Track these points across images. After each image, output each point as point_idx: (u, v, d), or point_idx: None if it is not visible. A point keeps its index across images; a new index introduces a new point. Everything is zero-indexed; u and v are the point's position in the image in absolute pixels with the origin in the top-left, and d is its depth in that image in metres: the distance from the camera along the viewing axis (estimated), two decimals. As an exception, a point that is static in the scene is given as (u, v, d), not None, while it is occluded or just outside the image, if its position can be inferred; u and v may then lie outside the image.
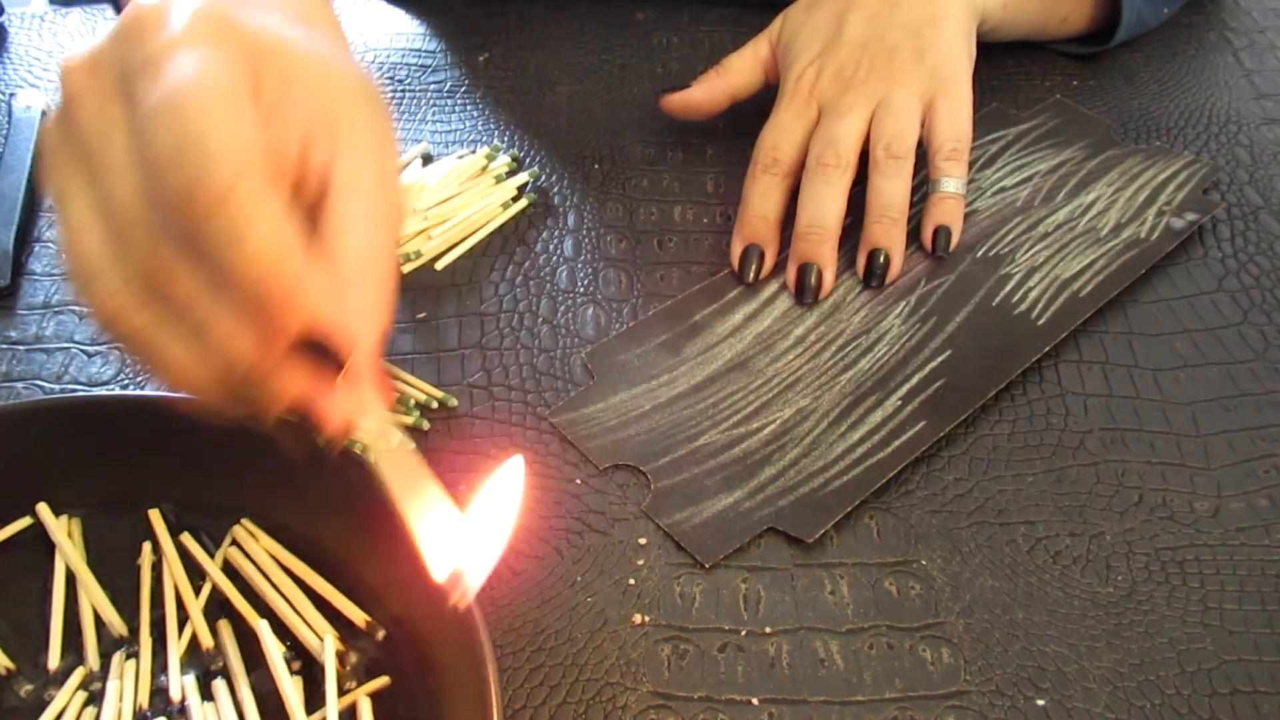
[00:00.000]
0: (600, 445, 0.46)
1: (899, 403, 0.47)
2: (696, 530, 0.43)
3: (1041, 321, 0.50)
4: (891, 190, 0.52)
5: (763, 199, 0.53)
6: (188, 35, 0.28)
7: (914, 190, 0.53)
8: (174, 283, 0.29)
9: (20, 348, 0.50)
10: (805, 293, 0.51)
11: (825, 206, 0.51)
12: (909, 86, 0.53)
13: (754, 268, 0.52)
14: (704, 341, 0.50)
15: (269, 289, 0.28)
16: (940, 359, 0.48)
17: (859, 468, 0.44)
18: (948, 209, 0.53)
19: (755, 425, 0.46)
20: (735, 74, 0.59)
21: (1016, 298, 0.51)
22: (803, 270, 0.51)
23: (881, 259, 0.51)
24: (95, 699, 0.38)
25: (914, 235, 0.54)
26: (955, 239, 0.53)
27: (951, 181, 0.53)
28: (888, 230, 0.52)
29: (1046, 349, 0.49)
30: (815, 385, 0.48)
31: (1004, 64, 0.65)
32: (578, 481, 0.45)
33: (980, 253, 0.53)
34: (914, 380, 0.48)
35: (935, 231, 0.53)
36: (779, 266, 0.53)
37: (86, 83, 0.29)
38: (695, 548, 0.42)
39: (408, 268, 0.53)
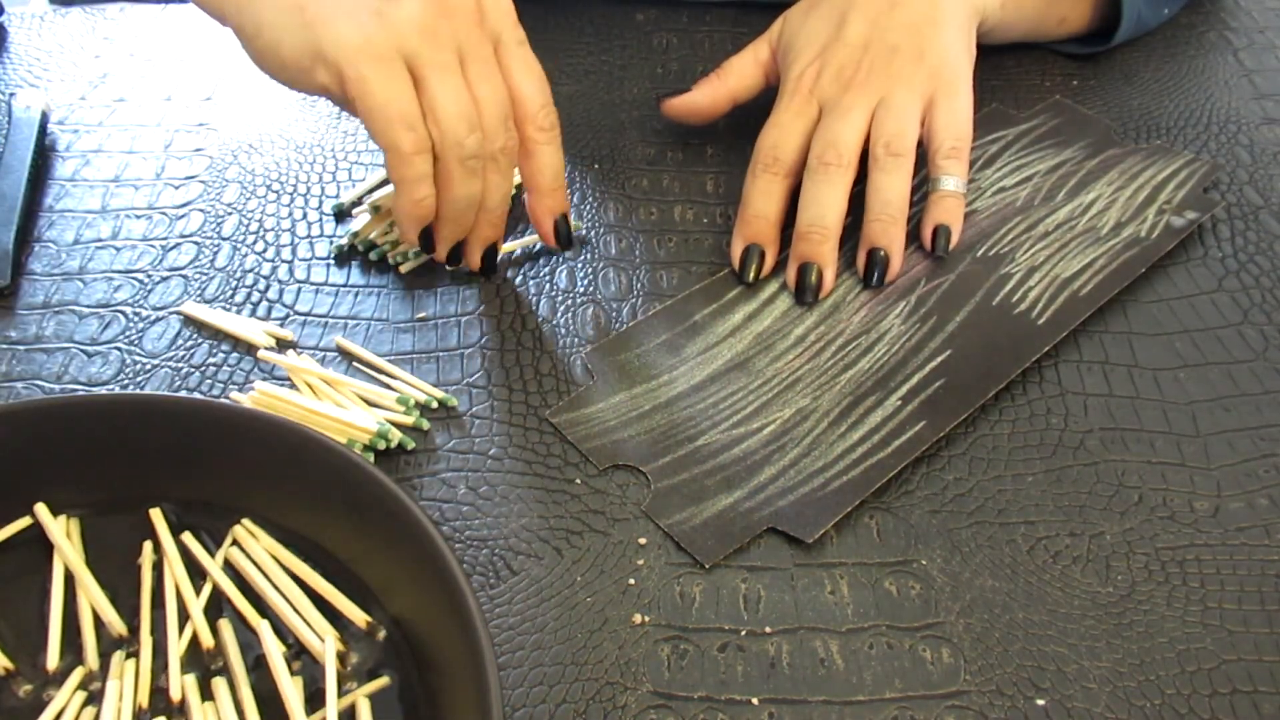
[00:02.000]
0: (600, 446, 0.46)
1: (899, 403, 0.47)
2: (697, 530, 0.43)
3: (1041, 321, 0.50)
4: (891, 187, 0.52)
5: (763, 198, 0.53)
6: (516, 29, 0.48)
7: (914, 190, 0.53)
8: (507, 153, 0.48)
9: (20, 348, 0.50)
10: (805, 292, 0.51)
11: (826, 206, 0.51)
12: (909, 86, 0.53)
13: (754, 267, 0.52)
14: (704, 341, 0.50)
15: (563, 177, 0.51)
16: (940, 359, 0.48)
17: (859, 468, 0.44)
18: (947, 208, 0.53)
19: (755, 425, 0.46)
20: (736, 76, 0.59)
21: (1016, 297, 0.51)
22: (803, 270, 0.51)
23: (881, 256, 0.51)
24: (95, 698, 0.38)
25: (913, 235, 0.54)
26: (955, 238, 0.53)
27: (951, 180, 0.53)
28: (887, 228, 0.52)
29: (1046, 349, 0.49)
30: (815, 385, 0.48)
31: (1004, 64, 0.66)
32: (578, 481, 0.45)
33: (980, 252, 0.53)
34: (914, 380, 0.48)
35: (935, 230, 0.53)
36: (779, 266, 0.53)
37: (475, 16, 0.46)
38: (695, 548, 0.42)
39: (406, 267, 0.53)
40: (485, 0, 0.46)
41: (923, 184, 0.54)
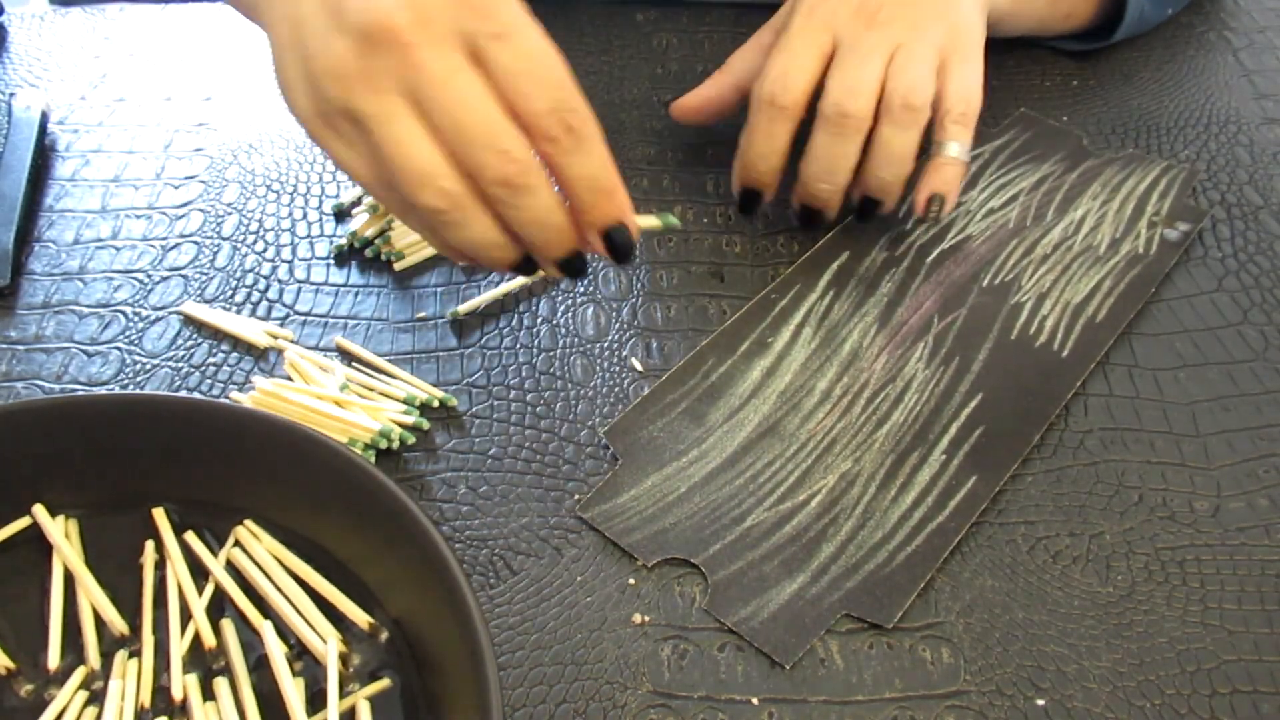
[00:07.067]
0: (642, 539, 0.43)
1: (943, 456, 0.45)
2: (766, 626, 0.40)
3: (1065, 354, 0.49)
4: (902, 143, 0.50)
5: (766, 140, 0.51)
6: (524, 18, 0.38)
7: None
8: (523, 175, 0.38)
9: (20, 348, 0.50)
10: (807, 222, 0.54)
11: (837, 164, 0.50)
12: (929, 38, 0.51)
13: (753, 210, 0.54)
14: (726, 406, 0.47)
15: (607, 183, 0.40)
16: (974, 403, 0.47)
17: (921, 535, 0.42)
18: (947, 176, 0.52)
19: (802, 497, 0.44)
20: (740, 62, 0.56)
21: (1034, 329, 0.50)
22: (805, 208, 0.53)
23: (876, 205, 0.52)
24: (96, 698, 0.38)
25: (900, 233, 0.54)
26: (949, 207, 0.52)
27: (955, 146, 0.51)
28: (888, 186, 0.51)
29: (1078, 384, 0.48)
30: (853, 445, 0.46)
31: (1004, 64, 0.66)
32: (577, 480, 0.45)
33: (985, 282, 0.52)
34: (953, 430, 0.46)
35: (931, 198, 0.52)
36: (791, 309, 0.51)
37: (422, 34, 0.36)
38: (770, 646, 0.40)
39: (400, 265, 0.53)
40: (429, 7, 0.37)
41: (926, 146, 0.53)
